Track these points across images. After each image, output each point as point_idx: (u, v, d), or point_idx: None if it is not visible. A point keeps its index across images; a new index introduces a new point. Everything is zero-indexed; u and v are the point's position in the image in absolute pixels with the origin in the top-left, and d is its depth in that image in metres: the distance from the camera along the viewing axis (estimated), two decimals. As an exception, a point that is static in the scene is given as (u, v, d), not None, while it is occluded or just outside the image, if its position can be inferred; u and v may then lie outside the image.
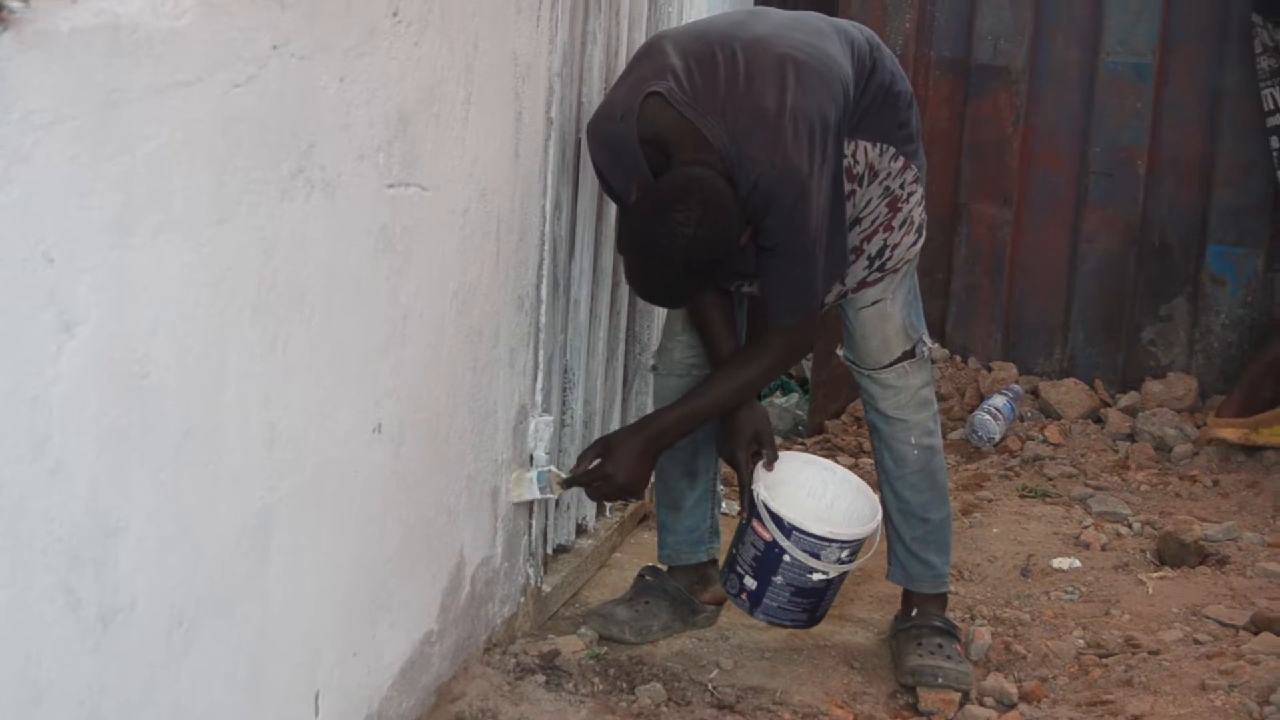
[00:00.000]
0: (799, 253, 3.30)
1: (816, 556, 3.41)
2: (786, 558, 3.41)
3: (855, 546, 3.48)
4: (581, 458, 3.51)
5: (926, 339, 3.66)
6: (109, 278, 2.02)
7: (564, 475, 3.50)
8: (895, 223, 3.53)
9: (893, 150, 3.48)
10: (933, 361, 5.47)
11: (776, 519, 3.41)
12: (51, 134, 1.89)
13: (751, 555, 3.46)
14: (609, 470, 3.44)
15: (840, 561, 3.45)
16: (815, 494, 3.55)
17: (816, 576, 3.44)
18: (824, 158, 3.27)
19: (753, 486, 3.46)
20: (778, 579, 3.44)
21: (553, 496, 3.55)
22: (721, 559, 3.72)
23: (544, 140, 3.42)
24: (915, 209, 3.57)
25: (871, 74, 3.44)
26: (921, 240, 3.61)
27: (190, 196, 2.16)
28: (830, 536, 3.41)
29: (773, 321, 3.43)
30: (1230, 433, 4.91)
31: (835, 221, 3.37)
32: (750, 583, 3.48)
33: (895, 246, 3.54)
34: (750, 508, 3.46)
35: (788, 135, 3.22)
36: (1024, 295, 5.59)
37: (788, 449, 3.99)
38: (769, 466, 3.50)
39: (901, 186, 3.53)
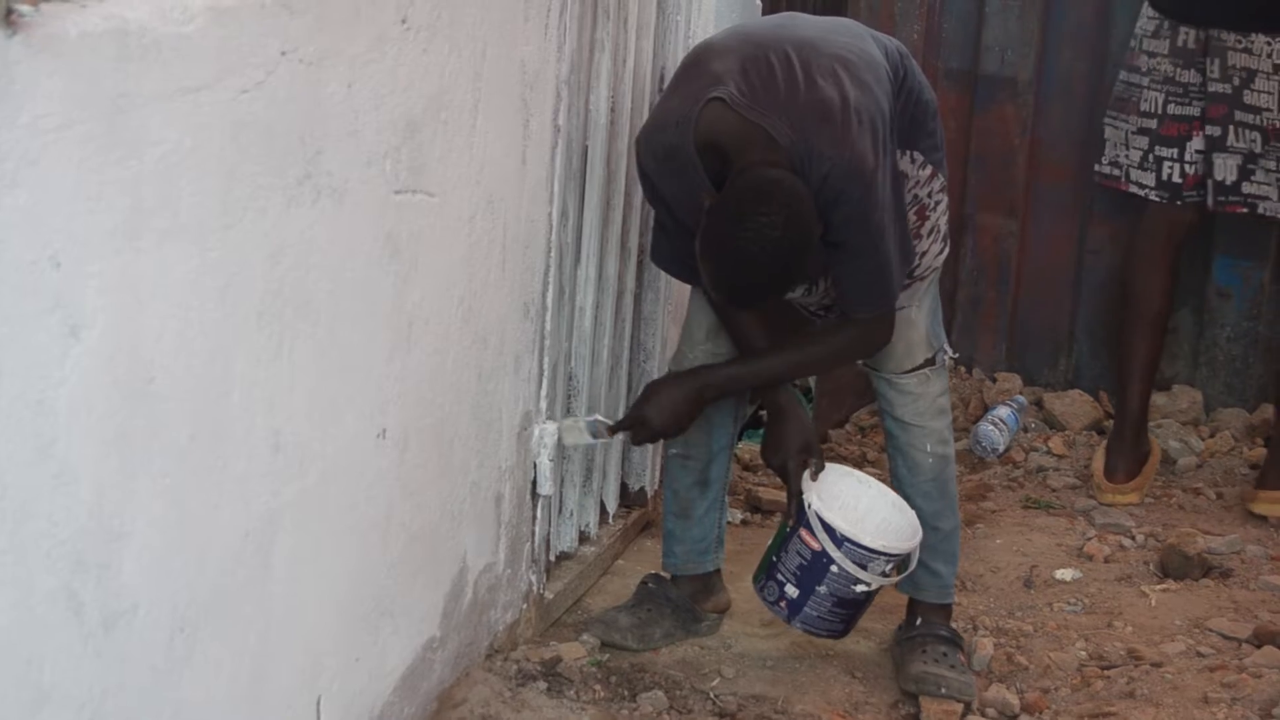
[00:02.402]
0: (869, 246, 3.32)
1: (864, 568, 3.42)
2: (834, 568, 3.42)
3: (899, 561, 3.49)
4: (633, 405, 3.58)
5: (947, 347, 3.67)
6: (116, 282, 2.02)
7: (610, 422, 3.55)
8: (923, 230, 3.54)
9: (921, 158, 3.49)
10: (947, 370, 5.50)
11: (829, 529, 3.41)
12: (60, 138, 1.89)
13: (796, 564, 3.46)
14: (647, 412, 3.48)
15: (884, 575, 3.46)
16: (848, 506, 3.53)
17: (860, 588, 3.45)
18: (885, 151, 3.30)
19: (805, 496, 3.46)
20: (822, 589, 3.45)
21: (605, 441, 3.62)
22: (726, 561, 3.72)
23: (551, 148, 3.42)
24: (942, 218, 3.58)
25: (903, 82, 3.45)
26: (946, 250, 3.63)
27: (197, 202, 2.17)
28: (882, 549, 3.42)
29: (849, 314, 3.47)
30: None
31: (899, 215, 3.39)
32: (792, 591, 3.47)
33: (924, 254, 3.55)
34: (799, 516, 3.46)
35: (854, 129, 3.24)
36: (1029, 306, 5.58)
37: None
38: (814, 477, 3.50)
39: (929, 195, 3.53)
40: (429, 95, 2.80)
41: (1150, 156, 4.83)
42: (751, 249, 3.16)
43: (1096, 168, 5.03)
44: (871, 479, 3.68)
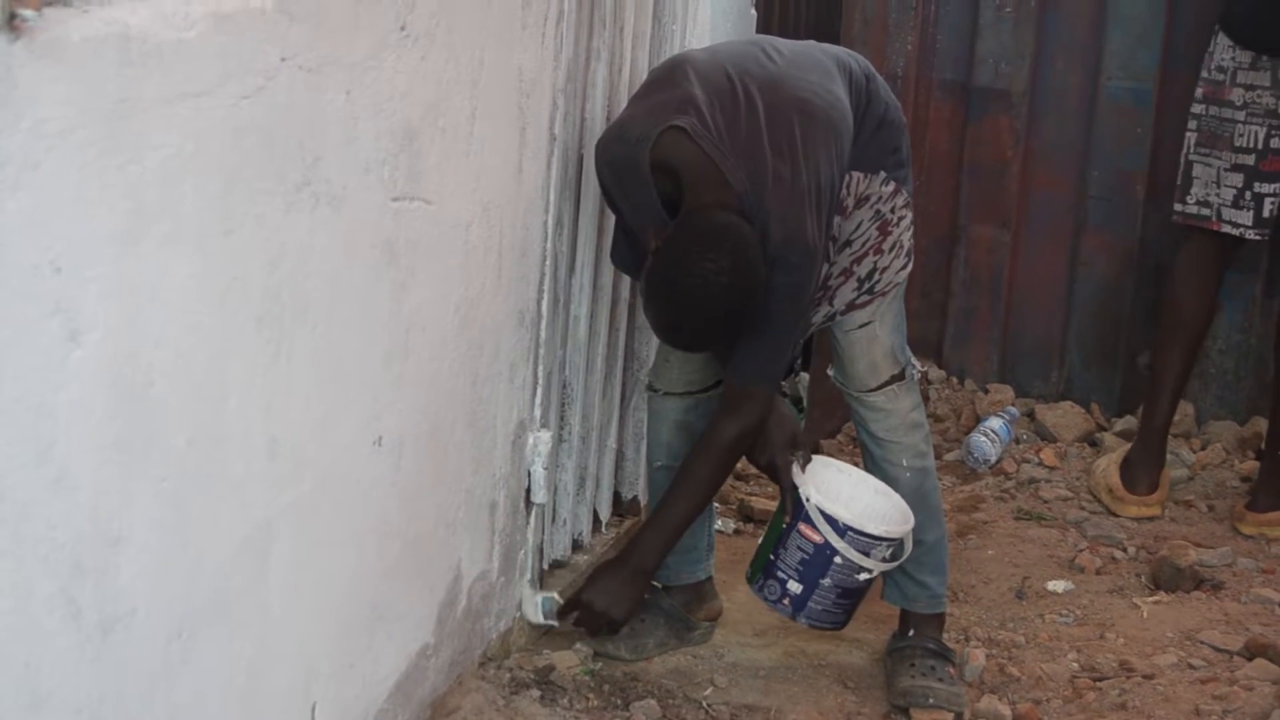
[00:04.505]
0: (785, 318, 3.34)
1: (867, 555, 3.45)
2: (838, 559, 3.44)
3: (897, 545, 3.52)
4: (578, 592, 3.57)
5: (915, 362, 3.67)
6: (116, 287, 2.02)
7: (562, 602, 3.55)
8: (885, 246, 3.54)
9: (884, 175, 3.50)
10: (929, 382, 5.50)
11: (831, 521, 3.43)
12: (61, 143, 1.89)
13: (798, 559, 3.47)
14: (587, 598, 3.50)
15: (885, 560, 3.49)
16: (829, 496, 3.54)
17: (863, 576, 3.48)
18: (825, 226, 3.33)
19: (801, 491, 3.47)
20: (826, 581, 3.47)
21: (555, 624, 3.58)
22: (715, 565, 3.72)
23: (547, 156, 3.43)
24: (905, 234, 3.58)
25: (868, 107, 3.48)
26: (910, 265, 3.62)
27: (198, 207, 2.17)
28: (884, 535, 3.46)
29: (733, 382, 3.44)
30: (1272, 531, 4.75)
31: (811, 302, 3.42)
32: (795, 587, 3.49)
33: (884, 270, 3.56)
34: (796, 511, 3.47)
35: (801, 198, 3.27)
36: (1021, 318, 5.59)
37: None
38: (803, 469, 3.52)
39: (892, 211, 3.54)
40: (427, 103, 2.80)
41: (1248, 194, 4.68)
42: (697, 294, 3.17)
43: (1180, 207, 4.81)
44: (851, 467, 3.70)
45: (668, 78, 3.39)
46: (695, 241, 3.18)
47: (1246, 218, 4.69)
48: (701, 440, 3.51)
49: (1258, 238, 4.71)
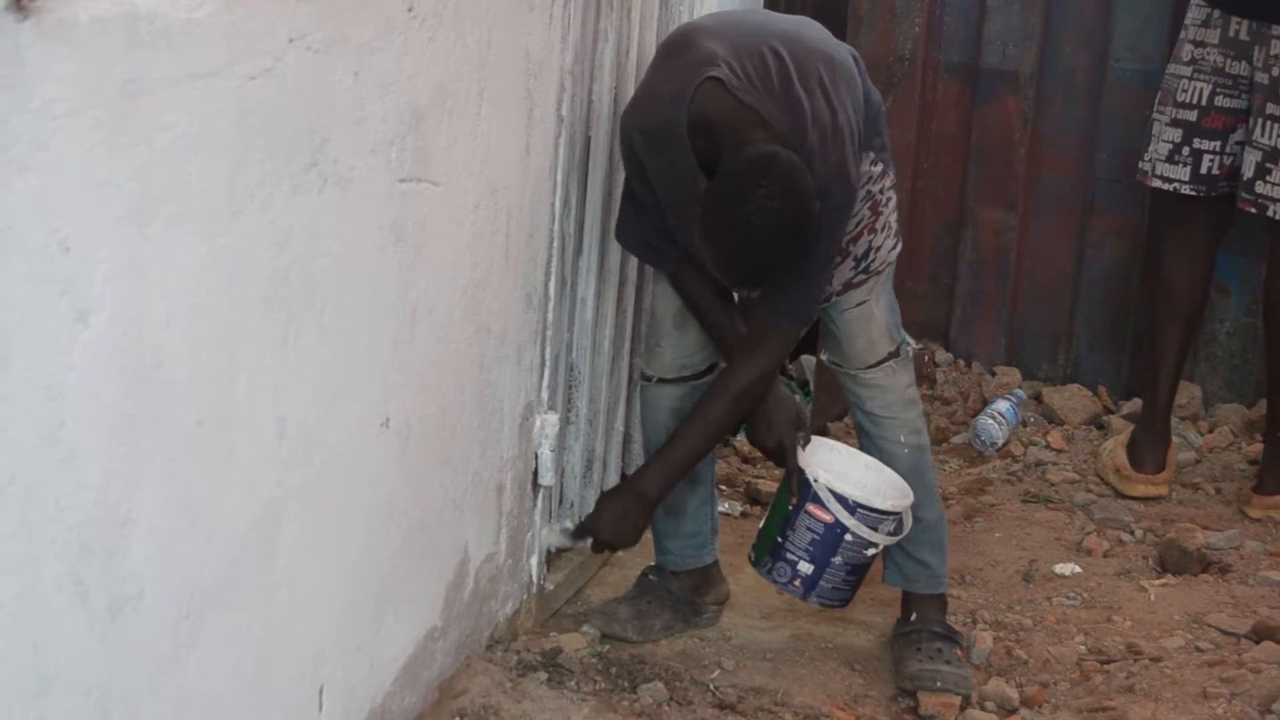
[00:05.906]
0: (821, 257, 3.35)
1: (875, 530, 3.47)
2: (848, 537, 3.46)
3: (899, 519, 3.54)
4: (587, 517, 3.65)
5: (909, 339, 3.68)
6: (124, 268, 2.02)
7: (572, 528, 3.66)
8: (878, 225, 3.56)
9: (872, 156, 3.52)
10: (935, 365, 5.50)
11: (841, 499, 3.44)
12: (70, 123, 1.89)
13: (808, 540, 3.48)
14: (591, 523, 3.55)
15: (890, 534, 3.52)
16: (832, 474, 3.54)
17: (870, 552, 3.50)
18: (858, 170, 3.35)
19: (809, 471, 3.48)
20: (837, 559, 3.49)
21: (582, 544, 3.65)
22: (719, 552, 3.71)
23: (555, 137, 3.42)
24: (892, 215, 3.61)
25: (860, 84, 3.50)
26: (899, 246, 3.64)
27: (206, 188, 2.17)
28: (890, 509, 3.48)
29: (764, 319, 3.43)
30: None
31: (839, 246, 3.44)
32: (805, 567, 3.50)
33: (878, 249, 3.57)
34: (803, 492, 3.48)
35: (841, 137, 3.29)
36: (1028, 300, 5.58)
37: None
38: (804, 448, 3.52)
39: (881, 191, 3.56)
40: (434, 84, 2.80)
41: (1185, 149, 4.66)
42: (754, 223, 3.14)
43: (1140, 164, 4.82)
44: (840, 444, 3.72)
45: (683, 42, 3.38)
46: (745, 173, 3.17)
47: (1183, 173, 4.67)
48: (720, 379, 3.51)
49: (1193, 194, 4.68)
